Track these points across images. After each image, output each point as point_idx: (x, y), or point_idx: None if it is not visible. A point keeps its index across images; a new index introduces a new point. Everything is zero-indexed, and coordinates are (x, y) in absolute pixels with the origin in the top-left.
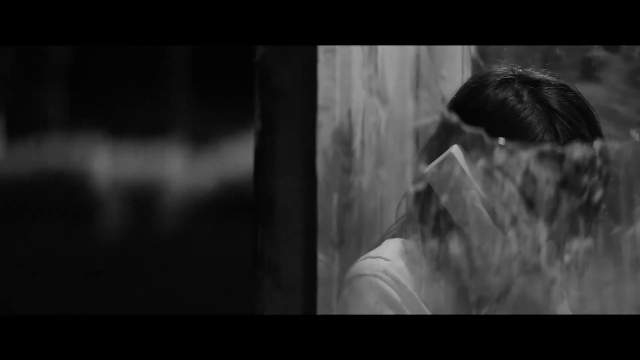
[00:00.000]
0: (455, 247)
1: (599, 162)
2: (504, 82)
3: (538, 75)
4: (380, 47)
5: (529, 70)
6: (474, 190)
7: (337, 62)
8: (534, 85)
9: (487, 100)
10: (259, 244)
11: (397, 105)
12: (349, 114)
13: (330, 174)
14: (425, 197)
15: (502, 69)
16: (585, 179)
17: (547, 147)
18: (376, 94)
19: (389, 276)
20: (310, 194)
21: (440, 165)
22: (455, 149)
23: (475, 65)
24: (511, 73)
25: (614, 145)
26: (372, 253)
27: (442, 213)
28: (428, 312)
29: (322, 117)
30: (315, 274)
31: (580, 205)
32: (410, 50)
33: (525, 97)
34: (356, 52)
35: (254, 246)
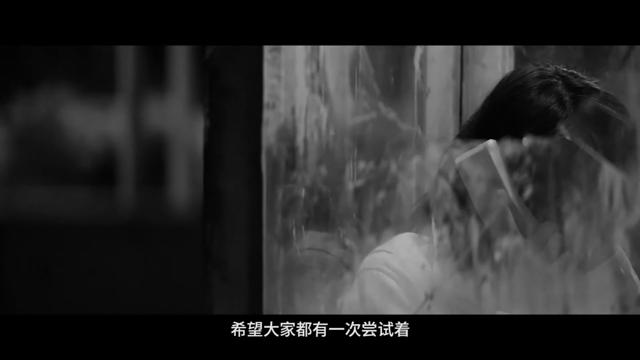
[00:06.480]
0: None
1: (528, 159)
2: (548, 86)
3: (584, 81)
4: (322, 46)
5: (575, 72)
6: (503, 190)
7: (282, 61)
8: (576, 92)
9: (531, 104)
10: (207, 239)
11: (337, 102)
12: (293, 111)
13: (275, 171)
14: (448, 187)
15: (548, 68)
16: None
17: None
18: (318, 91)
19: (390, 268)
20: (256, 190)
21: (473, 157)
22: (491, 144)
23: (517, 53)
24: (557, 76)
25: (543, 143)
26: (379, 247)
27: (466, 204)
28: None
29: (267, 115)
30: (261, 268)
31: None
32: (349, 47)
33: (567, 104)
34: (299, 51)
35: (203, 241)
